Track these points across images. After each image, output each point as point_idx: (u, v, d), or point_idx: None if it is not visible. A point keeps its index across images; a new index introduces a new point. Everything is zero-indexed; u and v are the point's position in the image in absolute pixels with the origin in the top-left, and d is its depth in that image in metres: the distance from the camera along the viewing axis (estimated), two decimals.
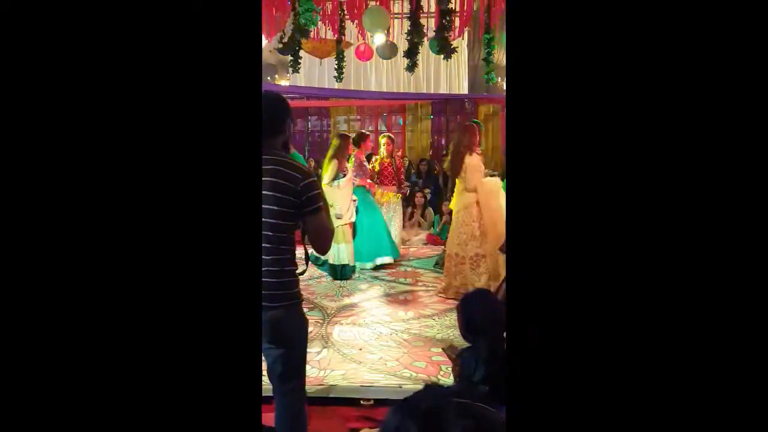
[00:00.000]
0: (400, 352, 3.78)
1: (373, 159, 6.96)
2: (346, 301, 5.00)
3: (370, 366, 3.57)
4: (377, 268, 6.09)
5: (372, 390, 3.22)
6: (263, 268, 2.02)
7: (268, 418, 2.10)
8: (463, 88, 10.58)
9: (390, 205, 6.84)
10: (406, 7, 6.29)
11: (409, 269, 6.24)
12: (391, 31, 7.05)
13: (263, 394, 2.69)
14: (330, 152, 5.69)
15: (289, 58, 6.48)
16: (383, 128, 10.79)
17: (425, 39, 5.91)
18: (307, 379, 3.26)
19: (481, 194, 4.96)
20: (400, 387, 3.21)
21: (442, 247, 6.29)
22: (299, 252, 2.34)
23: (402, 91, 10.69)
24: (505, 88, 6.59)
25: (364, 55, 7.69)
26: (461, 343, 2.34)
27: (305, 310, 4.25)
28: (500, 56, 7.39)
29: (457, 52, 5.91)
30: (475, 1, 6.45)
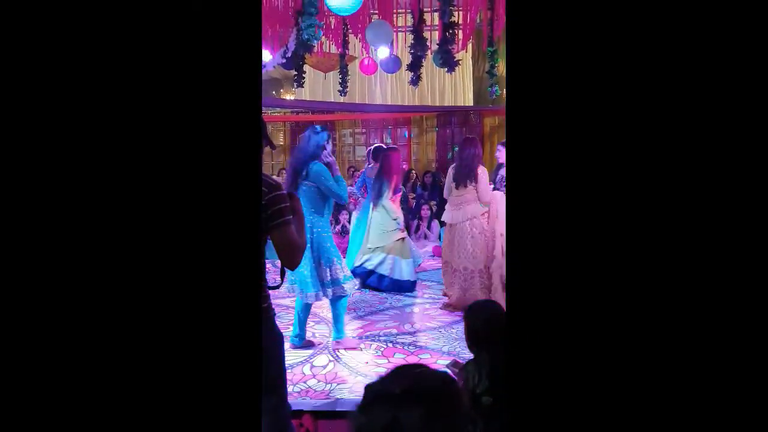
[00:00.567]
0: None
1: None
2: (351, 314, 4.99)
3: None
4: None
5: None
6: None
7: None
8: (468, 101, 10.61)
9: None
10: (409, 21, 6.32)
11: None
12: (394, 44, 7.08)
13: None
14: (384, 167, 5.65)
15: (293, 72, 6.51)
16: (388, 141, 10.82)
17: (429, 52, 5.94)
18: (313, 393, 3.28)
19: (494, 205, 4.94)
20: None
21: None
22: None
23: (407, 104, 10.73)
24: None
25: (369, 68, 7.72)
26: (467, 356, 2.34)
27: (312, 323, 4.24)
28: (504, 69, 7.41)
29: (460, 65, 5.93)
30: (478, 14, 6.49)
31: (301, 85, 6.80)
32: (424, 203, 8.55)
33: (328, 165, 3.93)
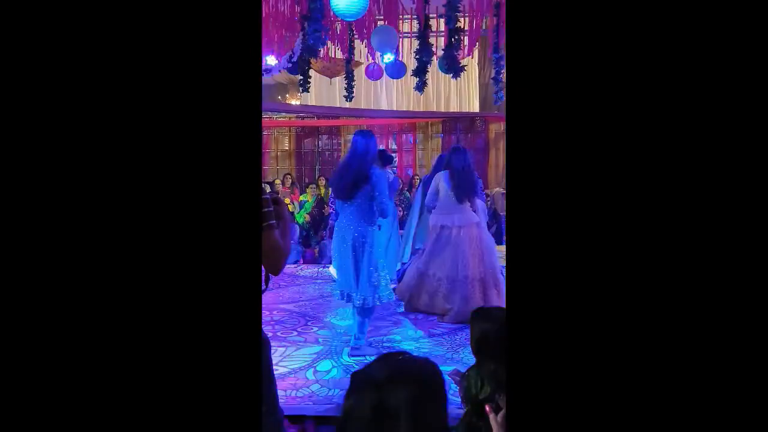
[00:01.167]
0: None
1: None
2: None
3: None
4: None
5: None
6: None
7: None
8: (474, 107, 10.62)
9: None
10: (415, 27, 6.33)
11: None
12: (400, 50, 7.09)
13: None
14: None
15: (299, 77, 6.53)
16: (394, 147, 10.84)
17: (434, 58, 5.94)
18: (317, 398, 3.27)
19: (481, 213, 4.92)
20: None
21: None
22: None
23: (412, 109, 10.74)
24: None
25: (374, 74, 7.73)
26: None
27: (315, 329, 4.23)
28: None
29: (465, 70, 5.92)
30: (484, 20, 6.49)
31: (306, 90, 6.81)
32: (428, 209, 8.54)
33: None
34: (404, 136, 10.90)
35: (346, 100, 7.82)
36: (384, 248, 4.11)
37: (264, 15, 6.06)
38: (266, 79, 9.58)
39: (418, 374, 1.08)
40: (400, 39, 6.94)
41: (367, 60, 7.72)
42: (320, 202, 8.75)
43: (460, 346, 4.16)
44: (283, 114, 11.03)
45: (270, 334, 4.24)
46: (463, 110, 10.68)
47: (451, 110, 10.74)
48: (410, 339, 4.43)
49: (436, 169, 5.28)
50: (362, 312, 4.00)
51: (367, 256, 3.89)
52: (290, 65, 6.03)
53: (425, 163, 10.74)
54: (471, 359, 2.34)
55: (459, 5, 5.13)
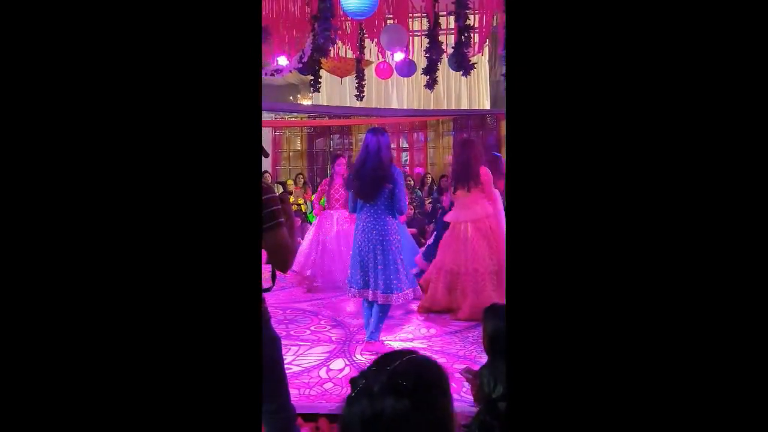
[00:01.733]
0: None
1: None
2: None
3: None
4: None
5: None
6: None
7: None
8: (485, 104, 10.59)
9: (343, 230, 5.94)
10: (425, 25, 6.33)
11: None
12: (409, 48, 7.08)
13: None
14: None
15: (310, 77, 6.54)
16: (405, 145, 10.83)
17: (444, 56, 5.93)
18: (330, 396, 3.28)
19: (499, 205, 4.90)
20: None
21: None
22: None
23: (423, 108, 10.72)
24: None
25: (385, 73, 7.73)
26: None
27: (328, 327, 4.24)
28: None
29: (475, 68, 5.90)
30: (494, 17, 6.47)
31: (317, 89, 6.83)
32: (439, 207, 8.53)
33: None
34: (415, 134, 10.89)
35: (357, 100, 7.82)
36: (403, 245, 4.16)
37: (274, 16, 6.09)
38: (277, 80, 9.62)
39: (418, 378, 1.06)
40: (410, 37, 6.94)
41: (378, 59, 7.71)
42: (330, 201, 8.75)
43: (473, 344, 4.16)
44: (295, 114, 11.05)
45: (283, 333, 4.27)
46: (474, 108, 10.64)
47: (462, 108, 10.70)
48: (422, 337, 4.43)
49: None
50: (382, 308, 4.02)
51: (390, 253, 3.93)
52: (301, 65, 6.04)
53: (436, 161, 10.71)
54: (484, 357, 2.33)
55: (468, 2, 5.12)
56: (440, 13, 5.77)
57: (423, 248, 6.03)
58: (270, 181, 9.36)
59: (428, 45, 5.69)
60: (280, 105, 10.70)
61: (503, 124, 9.98)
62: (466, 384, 3.31)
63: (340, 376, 3.64)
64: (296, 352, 4.05)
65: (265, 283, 2.22)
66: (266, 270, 2.04)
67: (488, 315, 2.27)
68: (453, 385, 1.13)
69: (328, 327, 4.69)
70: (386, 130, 4.13)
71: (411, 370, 1.09)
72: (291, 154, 11.28)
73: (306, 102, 11.13)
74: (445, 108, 10.73)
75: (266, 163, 10.13)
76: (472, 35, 5.63)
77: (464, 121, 10.64)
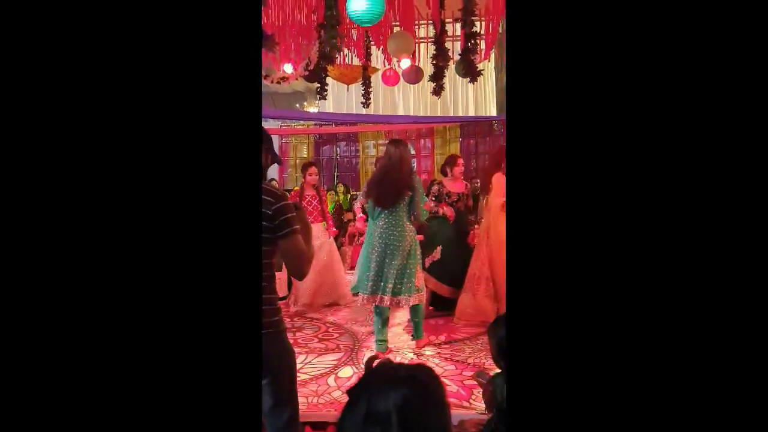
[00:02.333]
0: None
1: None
2: (370, 327, 4.97)
3: None
4: None
5: None
6: None
7: None
8: (491, 110, 10.58)
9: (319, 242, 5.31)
10: (431, 32, 6.33)
11: None
12: (416, 55, 7.08)
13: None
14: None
15: (316, 85, 6.55)
16: (412, 152, 10.83)
17: (451, 62, 5.92)
18: (339, 405, 3.25)
19: (492, 213, 4.88)
20: None
21: None
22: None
23: (430, 114, 10.72)
24: None
25: (391, 80, 7.73)
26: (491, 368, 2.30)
27: (336, 335, 4.24)
28: None
29: (482, 74, 5.89)
30: (501, 23, 6.46)
31: (324, 97, 6.84)
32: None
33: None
34: (422, 141, 10.89)
35: (363, 107, 7.83)
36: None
37: (280, 23, 6.10)
38: (283, 88, 9.64)
39: (410, 379, 1.06)
40: (417, 44, 6.94)
41: (384, 66, 7.72)
42: (339, 209, 8.76)
43: (481, 350, 4.13)
44: (301, 122, 11.08)
45: (291, 341, 4.23)
46: (481, 114, 10.63)
47: (469, 114, 10.69)
48: (431, 344, 4.40)
49: None
50: (414, 310, 4.21)
51: (410, 257, 4.08)
52: (307, 73, 6.05)
53: None
54: (492, 364, 2.31)
55: (475, 9, 5.12)
56: (446, 20, 5.77)
57: None
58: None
59: (435, 52, 5.68)
60: (286, 113, 10.73)
61: None
62: (476, 391, 3.29)
63: (348, 384, 3.62)
64: (304, 360, 4.04)
65: (281, 291, 2.20)
66: (282, 277, 2.04)
67: (493, 328, 2.26)
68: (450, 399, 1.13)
69: (336, 335, 4.68)
70: (405, 142, 4.28)
71: (405, 368, 1.10)
72: (297, 161, 11.29)
73: (312, 109, 11.15)
74: (452, 114, 10.72)
75: (273, 171, 10.16)
76: (478, 42, 5.63)
77: (471, 127, 10.64)
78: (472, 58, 5.47)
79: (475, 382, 2.47)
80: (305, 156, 11.26)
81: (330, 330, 4.82)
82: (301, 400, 2.35)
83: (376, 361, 1.18)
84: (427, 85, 6.66)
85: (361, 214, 5.57)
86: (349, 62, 7.49)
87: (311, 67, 5.85)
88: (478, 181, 8.81)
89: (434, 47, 5.73)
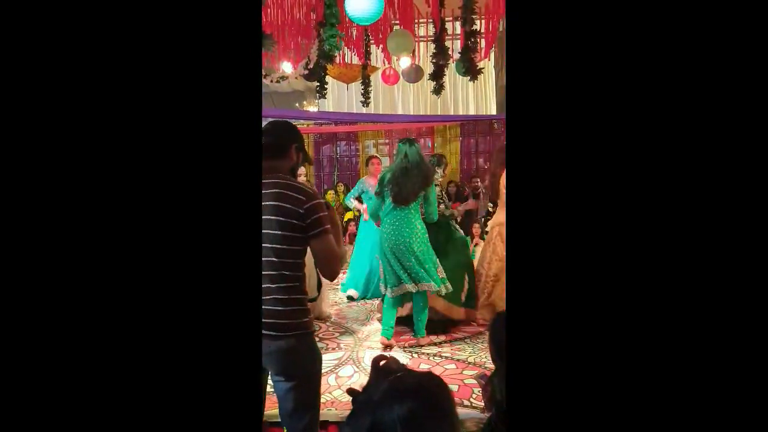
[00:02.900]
0: None
1: None
2: (378, 325, 4.96)
3: None
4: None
5: None
6: (269, 296, 1.92)
7: None
8: (492, 109, 10.57)
9: None
10: (431, 30, 6.32)
11: None
12: (416, 54, 7.07)
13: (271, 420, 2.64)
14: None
15: (316, 84, 6.54)
16: None
17: (451, 61, 5.91)
18: (340, 404, 3.26)
19: (500, 211, 4.88)
20: None
21: None
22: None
23: (430, 113, 10.71)
24: None
25: (391, 79, 7.72)
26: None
27: (337, 334, 4.24)
28: None
29: (482, 73, 5.88)
30: (501, 22, 6.45)
31: (323, 96, 6.82)
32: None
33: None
34: (422, 140, 10.88)
35: (363, 106, 7.82)
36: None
37: (280, 22, 6.09)
38: (283, 87, 9.63)
39: (416, 390, 1.02)
40: (417, 43, 6.93)
41: (384, 65, 7.71)
42: (339, 208, 8.76)
43: (483, 350, 4.13)
44: (301, 121, 11.08)
45: None
46: (481, 113, 10.62)
47: (469, 113, 10.68)
48: (432, 343, 4.40)
49: None
50: (423, 300, 4.30)
51: (425, 249, 4.20)
52: (306, 72, 6.04)
53: None
54: (492, 364, 2.31)
55: (475, 7, 5.11)
56: (446, 19, 5.76)
57: None
58: None
59: (435, 50, 5.67)
60: (286, 112, 10.72)
61: None
62: (477, 390, 3.29)
63: (349, 383, 3.62)
64: None
65: (312, 292, 2.17)
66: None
67: (493, 328, 2.25)
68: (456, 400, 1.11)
69: (336, 334, 4.67)
70: (391, 137, 4.37)
71: (411, 377, 1.07)
72: None
73: (312, 108, 11.14)
74: (452, 113, 10.71)
75: None
76: (478, 40, 5.61)
77: (471, 126, 10.63)
78: (472, 56, 5.46)
79: (476, 382, 2.47)
80: None
81: (331, 329, 4.81)
82: None
83: (383, 362, 1.16)
84: (427, 84, 6.65)
85: (363, 204, 5.87)
86: (349, 61, 7.48)
87: (311, 66, 5.84)
88: (478, 180, 8.82)
89: (434, 46, 5.71)
